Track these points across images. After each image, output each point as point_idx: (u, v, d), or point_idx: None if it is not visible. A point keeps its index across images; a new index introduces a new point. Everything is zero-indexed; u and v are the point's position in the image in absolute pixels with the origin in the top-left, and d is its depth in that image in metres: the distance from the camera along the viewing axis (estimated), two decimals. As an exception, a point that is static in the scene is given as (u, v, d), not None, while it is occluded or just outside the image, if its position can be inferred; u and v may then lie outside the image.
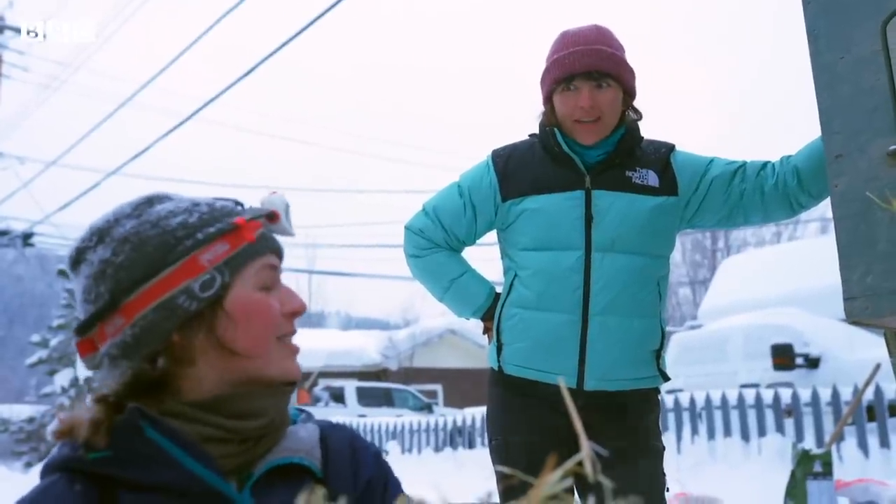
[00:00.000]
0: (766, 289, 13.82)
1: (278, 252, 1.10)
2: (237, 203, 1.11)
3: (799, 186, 2.11)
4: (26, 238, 17.50)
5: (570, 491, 0.60)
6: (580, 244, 2.09)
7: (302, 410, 1.16)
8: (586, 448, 0.77)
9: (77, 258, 1.04)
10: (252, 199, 1.15)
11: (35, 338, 23.60)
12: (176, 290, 0.99)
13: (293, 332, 1.09)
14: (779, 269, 14.42)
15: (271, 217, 1.08)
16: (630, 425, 2.10)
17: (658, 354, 2.16)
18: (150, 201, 1.06)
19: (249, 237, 1.04)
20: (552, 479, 0.62)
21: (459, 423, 11.37)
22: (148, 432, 0.98)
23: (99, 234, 1.02)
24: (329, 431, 1.14)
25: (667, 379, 2.19)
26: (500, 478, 2.05)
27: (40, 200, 16.68)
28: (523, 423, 2.13)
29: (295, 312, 1.08)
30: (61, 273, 22.49)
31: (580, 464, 0.77)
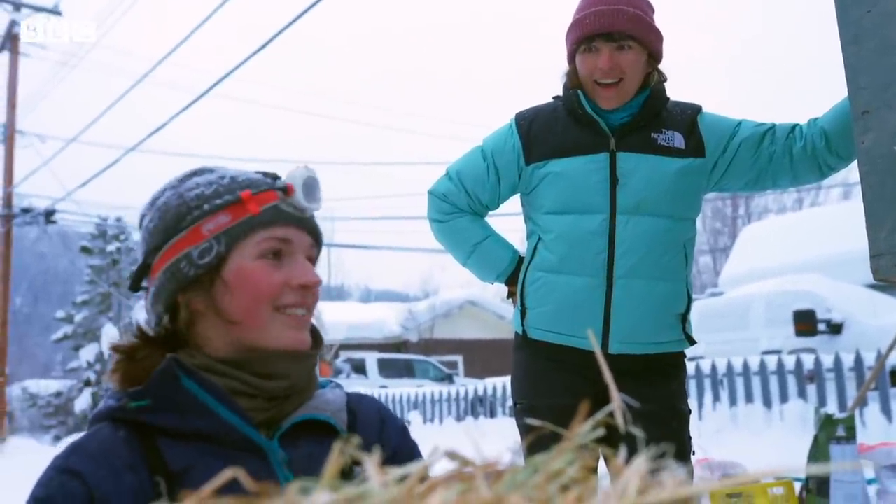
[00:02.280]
0: (788, 255, 13.69)
1: (299, 224, 1.10)
2: (267, 175, 1.13)
3: (827, 148, 2.08)
4: (48, 215, 17.63)
5: (599, 442, 0.59)
6: (604, 207, 2.08)
7: (331, 381, 1.19)
8: (616, 399, 0.76)
9: (140, 223, 1.15)
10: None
11: (60, 314, 23.93)
12: (179, 256, 1.06)
13: (299, 303, 1.09)
14: (800, 235, 14.26)
15: (286, 190, 1.10)
16: (655, 389, 2.10)
17: (684, 318, 2.15)
18: (194, 173, 1.13)
19: (253, 209, 1.07)
20: (583, 430, 0.62)
21: (480, 392, 11.43)
22: (184, 382, 1.03)
23: (151, 202, 1.13)
24: (357, 399, 1.19)
25: (693, 343, 2.18)
26: (525, 433, 2.07)
27: (61, 178, 16.79)
28: (548, 386, 2.13)
29: (304, 286, 1.09)
30: (84, 250, 22.72)
31: (610, 415, 0.77)
